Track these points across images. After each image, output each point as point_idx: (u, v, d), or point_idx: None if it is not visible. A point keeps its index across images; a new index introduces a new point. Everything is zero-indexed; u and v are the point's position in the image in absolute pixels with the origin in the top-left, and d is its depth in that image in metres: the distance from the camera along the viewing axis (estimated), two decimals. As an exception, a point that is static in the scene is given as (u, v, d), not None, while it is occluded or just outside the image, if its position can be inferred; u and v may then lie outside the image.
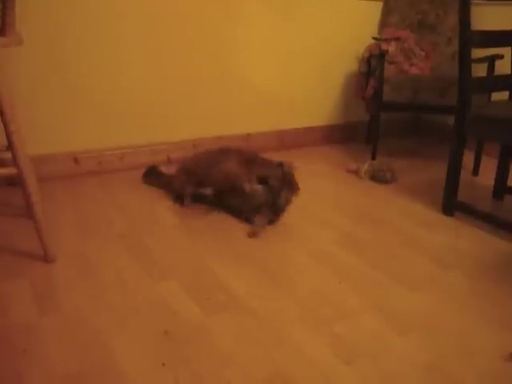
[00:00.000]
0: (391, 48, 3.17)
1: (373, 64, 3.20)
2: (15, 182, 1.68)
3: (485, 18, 3.13)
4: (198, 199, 2.34)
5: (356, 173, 2.88)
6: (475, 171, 2.93)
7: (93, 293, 1.61)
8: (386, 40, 3.20)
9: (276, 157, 2.31)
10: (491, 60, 2.74)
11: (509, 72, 2.33)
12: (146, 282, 1.68)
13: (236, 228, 2.13)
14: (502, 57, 2.70)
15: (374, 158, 3.07)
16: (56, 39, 2.51)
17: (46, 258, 1.78)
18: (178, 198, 2.36)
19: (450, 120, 2.38)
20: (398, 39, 3.22)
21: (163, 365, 1.28)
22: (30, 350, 1.32)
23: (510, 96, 2.38)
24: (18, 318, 1.46)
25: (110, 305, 1.54)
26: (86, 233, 2.05)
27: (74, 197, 2.42)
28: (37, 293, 1.60)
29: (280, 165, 2.15)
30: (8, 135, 1.60)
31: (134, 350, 1.33)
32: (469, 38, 2.06)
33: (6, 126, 1.59)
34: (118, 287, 1.64)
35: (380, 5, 3.49)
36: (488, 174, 2.83)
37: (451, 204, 2.29)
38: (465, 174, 2.85)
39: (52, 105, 2.59)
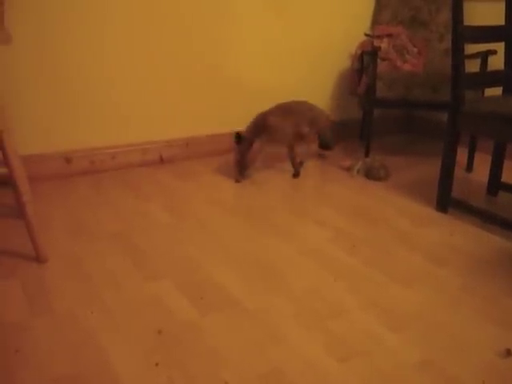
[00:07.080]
0: (384, 45, 3.17)
1: (365, 61, 3.20)
2: (6, 181, 1.66)
3: (477, 15, 3.13)
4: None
5: (348, 170, 2.87)
6: (469, 167, 2.93)
7: (85, 293, 1.59)
8: (378, 37, 3.19)
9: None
10: (484, 56, 2.74)
11: (502, 67, 2.32)
12: (139, 282, 1.67)
13: (230, 227, 2.12)
14: (495, 52, 2.70)
15: (367, 155, 3.06)
16: (46, 38, 2.49)
17: (38, 259, 1.77)
18: None
19: (443, 116, 2.38)
20: (390, 36, 3.21)
21: (156, 365, 1.27)
22: (23, 351, 1.31)
23: (503, 92, 2.38)
24: (10, 319, 1.45)
25: (103, 305, 1.53)
26: (78, 233, 2.03)
27: (65, 197, 2.40)
28: (29, 293, 1.58)
29: None
30: (-2, 134, 1.59)
31: (127, 350, 1.32)
32: (462, 33, 2.06)
33: (-5, 125, 1.57)
34: (110, 287, 1.63)
35: (372, 1, 3.48)
36: (482, 171, 2.83)
37: (445, 200, 2.29)
38: (458, 171, 2.85)
39: (43, 104, 2.57)
